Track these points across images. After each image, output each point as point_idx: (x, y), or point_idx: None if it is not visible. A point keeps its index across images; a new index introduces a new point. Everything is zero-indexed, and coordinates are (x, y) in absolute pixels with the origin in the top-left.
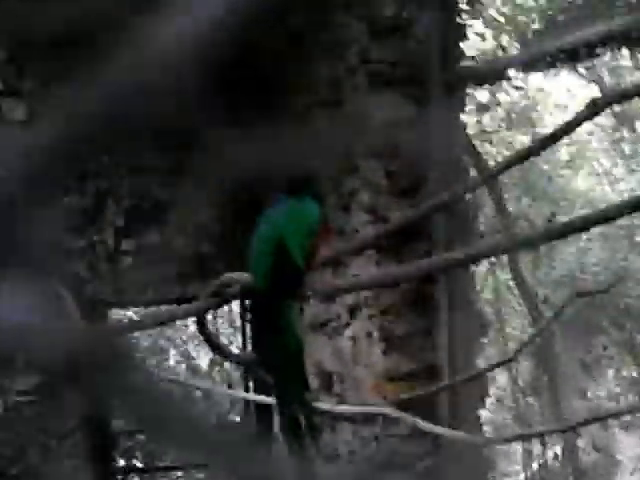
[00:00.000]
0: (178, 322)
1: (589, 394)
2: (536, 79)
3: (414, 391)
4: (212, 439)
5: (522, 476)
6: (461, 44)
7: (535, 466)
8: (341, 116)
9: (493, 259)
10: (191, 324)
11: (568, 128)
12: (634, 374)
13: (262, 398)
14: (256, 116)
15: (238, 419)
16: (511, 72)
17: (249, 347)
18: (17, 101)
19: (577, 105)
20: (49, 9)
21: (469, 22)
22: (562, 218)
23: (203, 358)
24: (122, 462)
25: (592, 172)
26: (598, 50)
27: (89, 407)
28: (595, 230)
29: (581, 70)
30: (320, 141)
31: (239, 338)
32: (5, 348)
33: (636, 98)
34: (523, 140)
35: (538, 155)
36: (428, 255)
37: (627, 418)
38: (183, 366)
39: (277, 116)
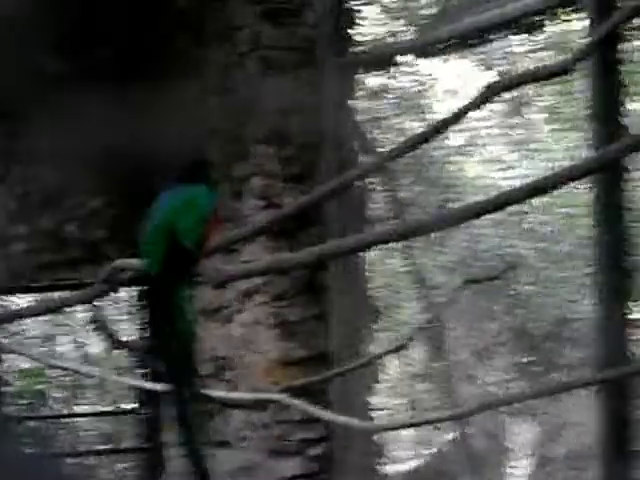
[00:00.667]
0: (69, 309)
1: (480, 381)
2: (427, 65)
3: (306, 377)
4: None
5: (414, 462)
6: (353, 29)
7: (427, 452)
8: (233, 101)
9: (385, 246)
10: (83, 311)
11: (460, 114)
12: (524, 360)
13: (154, 385)
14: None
15: (131, 406)
16: (402, 58)
17: (140, 333)
18: None
19: (468, 92)
20: None
21: (362, 7)
22: (454, 205)
23: (95, 345)
24: None
25: (483, 159)
26: (491, 36)
27: None
28: (487, 217)
29: (473, 56)
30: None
31: (130, 325)
32: None
33: (529, 84)
34: (414, 126)
35: (430, 142)
36: (321, 242)
37: (517, 405)
38: (75, 353)
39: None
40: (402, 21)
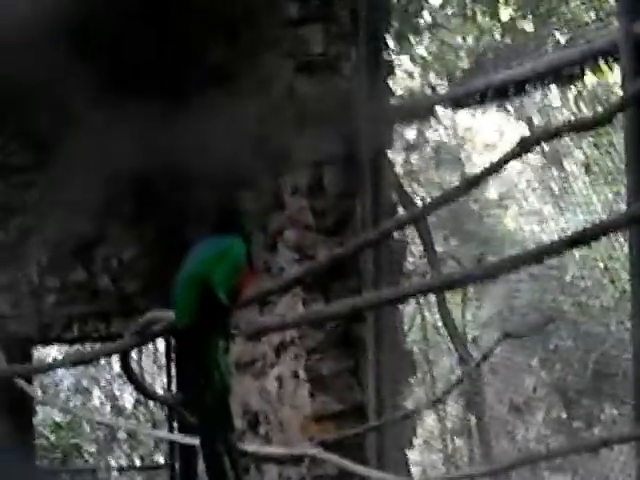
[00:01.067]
0: (102, 361)
1: (518, 436)
2: (464, 118)
3: (341, 432)
4: None
5: None
6: (390, 80)
7: None
8: (268, 152)
9: (421, 299)
10: (115, 363)
11: (497, 167)
12: (563, 415)
13: (187, 439)
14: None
15: (162, 460)
16: (439, 110)
17: (174, 386)
18: None
19: (506, 144)
20: None
21: (398, 58)
22: (491, 258)
23: (127, 398)
24: None
25: (521, 212)
26: (527, 88)
27: None
28: (524, 270)
29: (510, 109)
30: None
31: (164, 377)
32: None
33: (565, 137)
34: (451, 179)
35: (466, 195)
36: (356, 294)
37: (557, 461)
38: (108, 406)
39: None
40: (438, 73)
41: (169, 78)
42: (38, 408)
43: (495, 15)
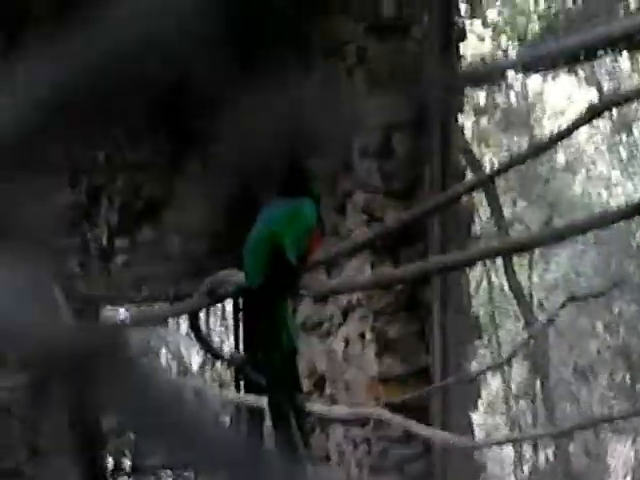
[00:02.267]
0: (170, 321)
1: (582, 399)
2: (534, 82)
3: (406, 393)
4: (206, 440)
5: (513, 479)
6: (461, 44)
7: (526, 470)
8: (338, 115)
9: (488, 262)
10: (183, 323)
11: (565, 132)
12: (627, 379)
13: (253, 399)
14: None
15: (229, 420)
16: (509, 74)
17: (241, 347)
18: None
19: (575, 109)
20: None
21: (469, 22)
22: (558, 222)
23: (195, 357)
24: (111, 461)
25: (589, 176)
26: (597, 53)
27: (77, 405)
28: (590, 235)
29: (580, 73)
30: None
31: (231, 338)
32: None
33: (634, 102)
34: (520, 143)
35: (535, 159)
36: (423, 257)
37: (619, 423)
38: (174, 365)
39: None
40: (509, 37)
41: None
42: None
43: None
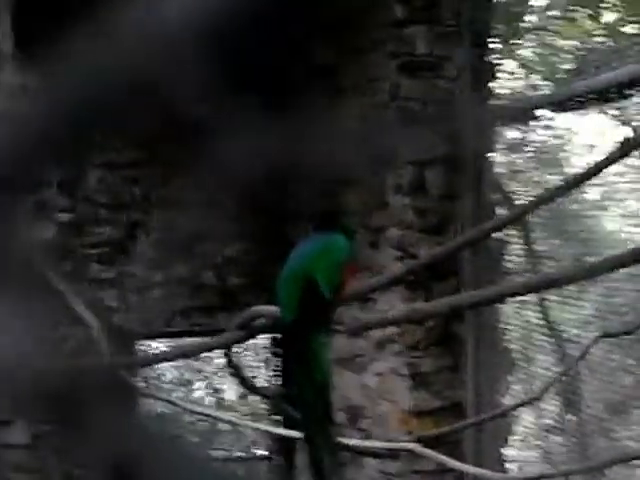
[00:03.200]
0: (205, 354)
1: (615, 434)
2: (566, 119)
3: (439, 428)
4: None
5: None
6: (492, 82)
7: None
8: (371, 151)
9: (521, 298)
10: (218, 357)
11: (598, 168)
12: None
13: (287, 432)
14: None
15: (264, 452)
16: (541, 111)
17: (275, 381)
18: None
19: (606, 145)
20: None
21: (501, 61)
22: (590, 258)
23: (229, 391)
24: None
25: (620, 213)
26: (628, 91)
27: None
28: (623, 271)
29: (610, 111)
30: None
31: (266, 371)
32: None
33: None
34: (551, 180)
35: (567, 195)
36: (456, 292)
37: None
38: (209, 398)
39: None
40: (540, 75)
41: (280, 78)
42: (141, 400)
43: (598, 18)
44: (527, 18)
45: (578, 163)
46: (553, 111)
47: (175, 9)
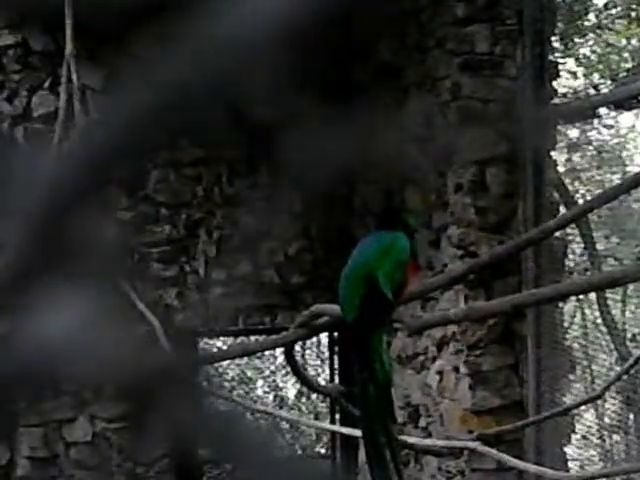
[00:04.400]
0: (266, 352)
1: None
2: (627, 118)
3: (500, 426)
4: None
5: None
6: (553, 82)
7: None
8: (433, 150)
9: (581, 296)
10: (279, 355)
11: None
12: None
13: (348, 430)
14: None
15: (324, 451)
16: (602, 110)
17: (336, 379)
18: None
19: None
20: None
21: (562, 59)
22: None
23: (290, 389)
24: None
25: None
26: None
27: (173, 435)
28: None
29: None
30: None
31: (327, 370)
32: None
33: None
34: (613, 179)
35: (628, 194)
36: (517, 291)
37: None
38: (270, 396)
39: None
40: (601, 74)
41: (345, 77)
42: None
43: None
44: (588, 17)
45: (639, 162)
46: (614, 110)
47: (261, 12)
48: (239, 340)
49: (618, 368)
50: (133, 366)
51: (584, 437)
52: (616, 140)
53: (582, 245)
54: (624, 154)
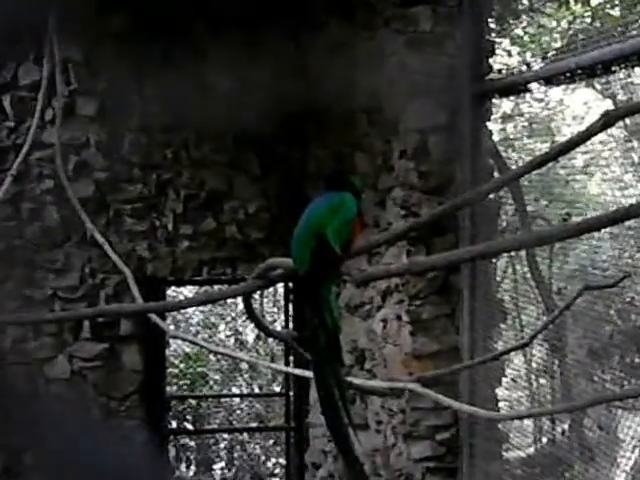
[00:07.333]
0: (228, 300)
1: (596, 378)
2: (556, 93)
3: (437, 369)
4: None
5: (532, 449)
6: (490, 59)
7: (545, 441)
8: (379, 120)
9: (512, 253)
10: (240, 302)
11: (583, 138)
12: (637, 360)
13: (301, 371)
14: None
15: (278, 389)
16: (533, 86)
17: (291, 325)
18: (89, 99)
19: (592, 117)
20: None
21: (497, 39)
22: (576, 219)
23: (249, 334)
24: (174, 424)
25: (604, 178)
26: (613, 68)
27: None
28: (605, 230)
29: (597, 86)
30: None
31: (282, 317)
32: None
33: None
34: (542, 147)
35: (555, 161)
36: (454, 247)
37: (630, 401)
38: (232, 340)
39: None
40: (533, 53)
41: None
42: (170, 341)
43: (586, 1)
44: (522, 0)
45: (566, 132)
46: (544, 85)
47: None
48: (203, 289)
49: (545, 318)
50: None
51: (513, 380)
52: (546, 113)
53: (514, 207)
54: (553, 125)
